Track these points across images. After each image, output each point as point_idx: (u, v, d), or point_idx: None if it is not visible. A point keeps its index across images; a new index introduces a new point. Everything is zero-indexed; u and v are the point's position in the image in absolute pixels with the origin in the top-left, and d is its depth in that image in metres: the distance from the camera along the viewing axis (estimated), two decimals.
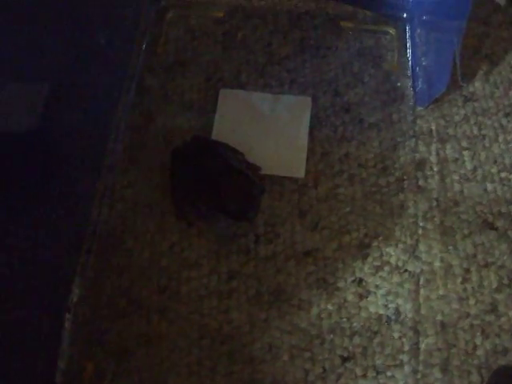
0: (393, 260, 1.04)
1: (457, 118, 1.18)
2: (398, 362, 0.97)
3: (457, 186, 1.11)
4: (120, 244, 1.05)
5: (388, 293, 1.02)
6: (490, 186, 1.11)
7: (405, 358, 0.97)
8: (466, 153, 1.14)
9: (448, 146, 1.15)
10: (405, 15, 1.30)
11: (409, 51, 1.26)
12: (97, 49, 1.12)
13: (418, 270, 1.03)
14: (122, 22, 1.22)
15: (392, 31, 1.29)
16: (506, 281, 1.03)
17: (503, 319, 1.00)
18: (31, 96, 1.01)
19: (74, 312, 1.00)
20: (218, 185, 1.04)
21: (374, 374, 0.96)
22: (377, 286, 1.02)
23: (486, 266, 1.04)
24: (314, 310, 1.00)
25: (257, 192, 1.04)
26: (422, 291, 1.02)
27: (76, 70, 1.07)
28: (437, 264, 1.04)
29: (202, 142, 1.12)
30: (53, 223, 0.99)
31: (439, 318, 1.00)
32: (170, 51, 1.26)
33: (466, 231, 1.07)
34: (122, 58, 1.21)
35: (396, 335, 0.99)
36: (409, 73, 1.23)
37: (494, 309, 1.01)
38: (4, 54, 0.96)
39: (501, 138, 1.16)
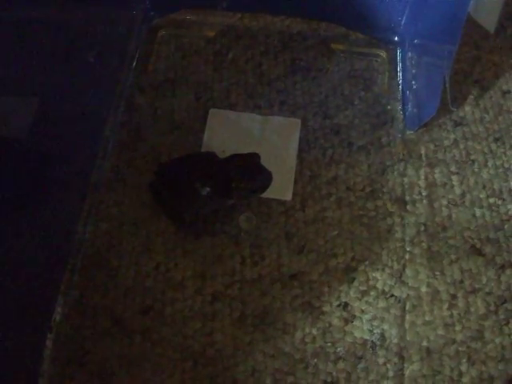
0: (379, 285, 1.03)
1: (446, 142, 1.18)
2: None
3: (445, 211, 1.11)
4: (105, 263, 1.04)
5: (373, 318, 1.01)
6: (478, 212, 1.11)
7: None
8: (454, 177, 1.14)
9: (437, 171, 1.15)
10: (396, 38, 1.30)
11: (399, 74, 1.26)
12: (86, 66, 1.12)
13: (404, 296, 1.03)
14: (112, 40, 1.21)
15: (383, 54, 1.29)
16: (492, 307, 1.02)
17: (489, 346, 0.99)
18: (19, 111, 1.01)
19: (56, 331, 0.99)
20: (222, 164, 1.05)
21: None
22: (362, 311, 1.01)
23: (473, 292, 1.03)
24: (299, 334, 0.99)
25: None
26: (407, 317, 1.01)
27: (65, 87, 1.07)
28: (423, 289, 1.03)
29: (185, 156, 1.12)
30: (37, 240, 0.98)
31: (425, 344, 0.99)
32: (161, 70, 1.25)
33: (453, 257, 1.06)
34: (111, 75, 1.21)
35: (381, 361, 0.98)
36: (399, 96, 1.23)
37: (480, 336, 1.00)
38: None
39: (490, 164, 1.16)
